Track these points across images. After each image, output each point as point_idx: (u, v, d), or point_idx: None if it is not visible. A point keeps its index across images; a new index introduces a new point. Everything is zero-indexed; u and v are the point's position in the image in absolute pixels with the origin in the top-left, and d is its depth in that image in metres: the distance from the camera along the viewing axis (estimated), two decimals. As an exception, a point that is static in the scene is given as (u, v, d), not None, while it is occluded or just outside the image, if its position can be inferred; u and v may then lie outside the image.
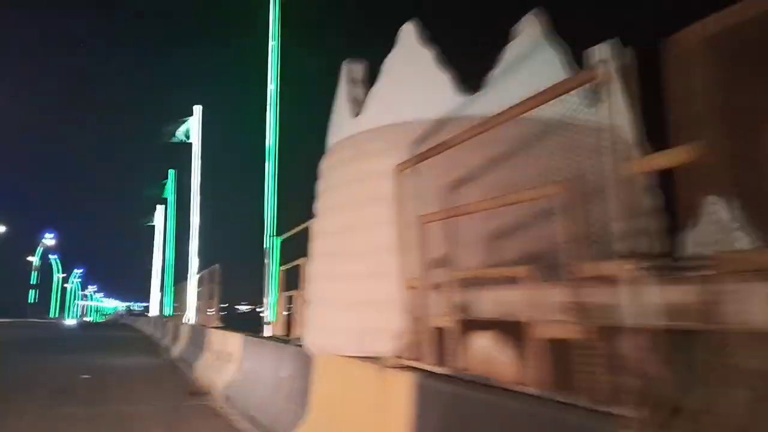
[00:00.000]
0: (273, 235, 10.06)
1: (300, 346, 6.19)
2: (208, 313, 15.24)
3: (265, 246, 10.48)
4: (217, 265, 14.37)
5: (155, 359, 15.90)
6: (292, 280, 9.14)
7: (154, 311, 42.59)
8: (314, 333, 5.43)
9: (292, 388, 5.71)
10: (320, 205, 5.88)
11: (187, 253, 22.50)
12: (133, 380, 11.30)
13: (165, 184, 38.35)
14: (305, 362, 5.39)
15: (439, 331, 3.65)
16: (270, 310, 9.96)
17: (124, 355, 16.88)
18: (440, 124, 4.44)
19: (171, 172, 37.91)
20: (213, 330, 12.69)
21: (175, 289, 25.83)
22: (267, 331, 9.89)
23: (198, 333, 14.18)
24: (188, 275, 21.48)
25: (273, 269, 9.89)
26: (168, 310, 32.06)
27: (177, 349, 16.49)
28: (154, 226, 44.21)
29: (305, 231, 7.86)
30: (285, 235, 8.96)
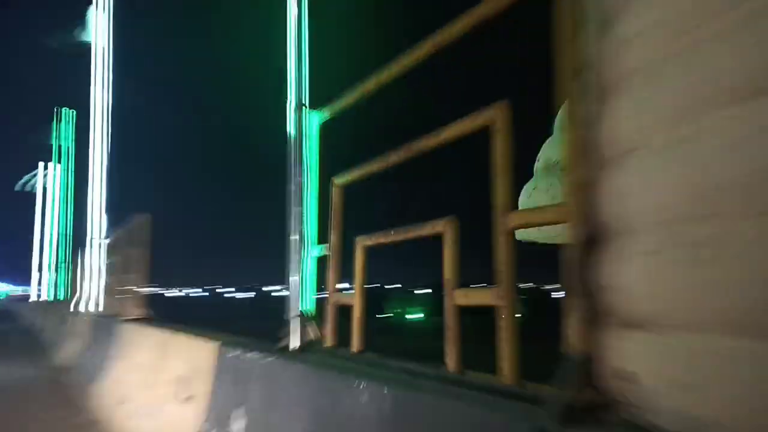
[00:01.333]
0: (303, 103, 3.38)
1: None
2: (122, 297, 9.36)
3: (295, 128, 3.64)
4: (145, 216, 8.54)
5: (29, 371, 9.71)
6: (361, 212, 3.68)
7: (43, 294, 33.83)
8: None
9: None
10: None
11: (96, 216, 15.89)
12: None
13: (66, 121, 29.98)
14: None
15: None
16: (304, 281, 3.57)
17: (-23, 360, 10.52)
18: None
19: (71, 112, 29.72)
20: (138, 326, 6.99)
21: (74, 266, 18.96)
22: (296, 338, 3.83)
23: (108, 328, 8.34)
24: (88, 239, 14.92)
25: (309, 185, 3.56)
26: (60, 293, 24.79)
27: (68, 352, 10.40)
28: (40, 189, 34.84)
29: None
30: (344, 101, 3.36)
